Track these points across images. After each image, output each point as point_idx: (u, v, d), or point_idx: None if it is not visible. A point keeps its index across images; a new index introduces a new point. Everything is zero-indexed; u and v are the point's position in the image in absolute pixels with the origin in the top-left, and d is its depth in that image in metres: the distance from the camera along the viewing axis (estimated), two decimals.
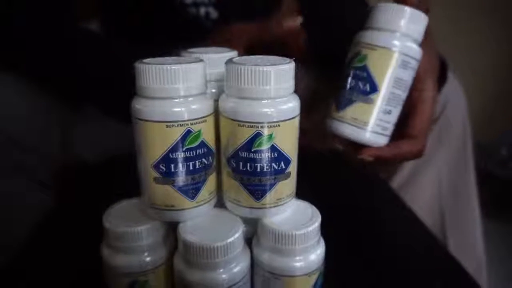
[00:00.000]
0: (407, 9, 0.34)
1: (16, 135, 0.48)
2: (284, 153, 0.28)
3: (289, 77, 0.28)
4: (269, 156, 0.28)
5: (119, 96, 0.48)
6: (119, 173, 0.56)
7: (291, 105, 0.28)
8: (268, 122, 0.27)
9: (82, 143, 0.58)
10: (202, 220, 0.30)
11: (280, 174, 0.29)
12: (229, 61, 0.28)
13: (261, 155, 0.28)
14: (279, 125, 0.27)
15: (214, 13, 0.56)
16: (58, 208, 0.51)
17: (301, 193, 0.32)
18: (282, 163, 0.28)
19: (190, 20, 0.56)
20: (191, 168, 0.28)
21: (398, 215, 0.45)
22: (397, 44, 0.34)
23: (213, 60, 0.31)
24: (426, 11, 0.35)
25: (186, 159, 0.28)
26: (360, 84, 0.34)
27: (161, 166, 0.28)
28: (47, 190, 0.53)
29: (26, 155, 0.50)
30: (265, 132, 0.27)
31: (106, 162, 0.59)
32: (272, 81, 0.27)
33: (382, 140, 0.36)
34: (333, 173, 0.47)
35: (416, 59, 0.35)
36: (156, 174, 0.28)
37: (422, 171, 0.61)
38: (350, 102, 0.35)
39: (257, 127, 0.27)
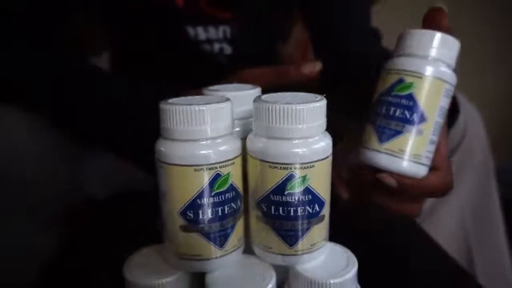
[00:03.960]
0: (452, 38, 0.33)
1: (21, 173, 0.47)
2: (318, 195, 0.27)
3: (322, 115, 0.26)
4: (303, 199, 0.26)
5: (130, 137, 0.47)
6: (131, 211, 0.55)
7: (324, 144, 0.26)
8: (302, 163, 0.26)
9: (91, 180, 0.57)
10: (230, 269, 0.28)
11: (314, 217, 0.27)
12: (258, 99, 0.27)
13: (294, 198, 0.26)
14: (313, 166, 0.26)
15: (228, 49, 0.56)
16: (67, 249, 0.49)
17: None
18: (316, 205, 0.27)
19: (204, 56, 0.56)
20: (220, 213, 0.26)
21: (429, 254, 0.43)
22: (446, 73, 0.33)
23: (237, 98, 0.30)
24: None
25: (215, 205, 0.26)
26: (407, 114, 0.32)
27: (188, 213, 0.26)
28: (53, 230, 0.51)
29: (31, 193, 0.48)
30: (299, 173, 0.26)
31: (117, 199, 0.57)
32: (305, 120, 0.25)
33: (426, 172, 0.34)
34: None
35: (454, 87, 0.34)
36: (183, 222, 0.26)
37: (445, 200, 0.59)
38: (397, 133, 0.32)
39: (290, 168, 0.26)
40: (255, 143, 0.27)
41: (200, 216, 0.26)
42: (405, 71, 0.33)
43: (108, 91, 0.48)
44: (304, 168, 0.26)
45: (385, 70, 0.35)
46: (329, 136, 0.27)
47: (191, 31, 0.55)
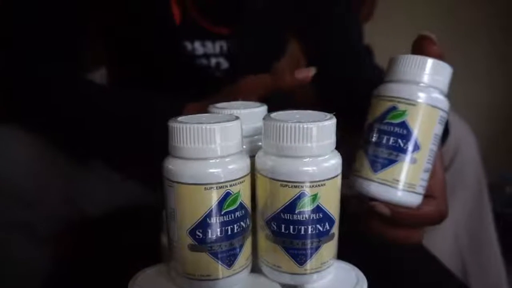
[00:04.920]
0: (445, 64, 0.32)
1: (15, 189, 0.46)
2: (329, 213, 0.26)
3: (331, 134, 0.26)
4: (314, 217, 0.26)
5: (128, 151, 0.46)
6: (123, 229, 0.54)
7: (334, 162, 0.26)
8: (312, 182, 0.25)
9: (84, 197, 0.56)
10: None
11: (324, 236, 0.27)
12: (268, 117, 0.27)
13: (305, 217, 0.26)
14: (324, 184, 0.26)
15: (224, 64, 0.56)
16: (59, 267, 0.48)
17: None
18: (326, 224, 0.27)
19: (200, 70, 0.56)
20: (229, 232, 0.26)
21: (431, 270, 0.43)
22: (440, 100, 0.32)
23: (243, 115, 0.30)
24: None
25: (224, 223, 0.26)
26: (400, 142, 0.31)
27: (197, 232, 0.25)
28: (46, 247, 0.50)
29: (24, 210, 0.47)
30: (310, 192, 0.26)
31: (109, 217, 0.56)
32: (315, 138, 0.25)
33: (420, 201, 0.33)
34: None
35: (447, 113, 0.33)
36: (191, 241, 0.26)
37: None
38: (390, 162, 0.31)
39: (301, 187, 0.25)
40: (265, 161, 0.27)
41: (209, 235, 0.26)
42: (398, 98, 0.31)
43: (108, 105, 0.48)
44: (315, 186, 0.26)
45: (376, 96, 0.33)
46: (339, 154, 0.27)
47: (188, 45, 0.55)
